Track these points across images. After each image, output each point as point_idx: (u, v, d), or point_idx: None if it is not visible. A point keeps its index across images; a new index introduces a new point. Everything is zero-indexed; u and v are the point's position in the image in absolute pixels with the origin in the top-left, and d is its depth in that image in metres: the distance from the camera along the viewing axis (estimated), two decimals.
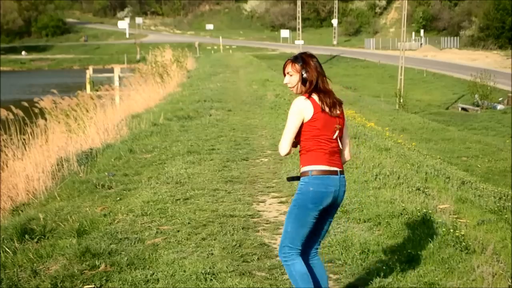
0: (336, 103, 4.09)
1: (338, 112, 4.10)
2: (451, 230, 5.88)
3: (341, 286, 4.96)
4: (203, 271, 5.10)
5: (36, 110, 13.13)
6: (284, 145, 4.07)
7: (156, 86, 22.63)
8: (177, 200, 7.42)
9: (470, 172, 13.48)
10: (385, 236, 5.96)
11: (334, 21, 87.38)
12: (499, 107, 35.04)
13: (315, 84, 4.06)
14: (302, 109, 4.02)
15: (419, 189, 7.82)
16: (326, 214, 4.16)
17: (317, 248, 4.28)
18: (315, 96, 4.05)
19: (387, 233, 6.03)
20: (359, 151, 10.09)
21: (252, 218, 6.75)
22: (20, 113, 11.35)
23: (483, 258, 5.30)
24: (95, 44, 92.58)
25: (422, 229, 6.01)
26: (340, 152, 4.14)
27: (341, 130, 4.12)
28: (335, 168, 4.09)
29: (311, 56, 4.14)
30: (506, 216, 7.26)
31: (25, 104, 13.20)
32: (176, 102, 17.70)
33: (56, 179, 9.67)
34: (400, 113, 27.18)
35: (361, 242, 5.73)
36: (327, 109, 4.03)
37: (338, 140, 4.10)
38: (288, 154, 4.10)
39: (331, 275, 5.16)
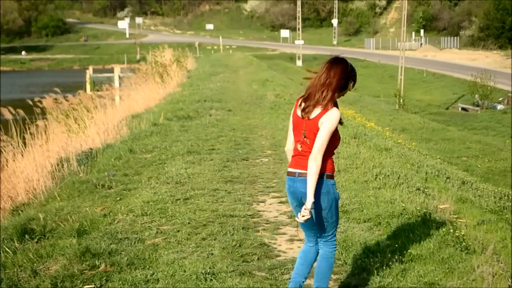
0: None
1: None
2: (451, 230, 5.88)
3: (341, 286, 4.96)
4: (203, 271, 5.10)
5: (38, 110, 13.13)
6: None
7: (156, 86, 22.61)
8: (177, 200, 7.42)
9: (470, 172, 13.47)
10: (385, 236, 5.96)
11: (334, 21, 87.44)
12: (499, 107, 35.06)
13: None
14: None
15: (419, 189, 7.82)
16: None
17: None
18: None
19: (387, 233, 6.03)
20: (359, 151, 10.09)
21: (252, 218, 6.75)
22: (22, 112, 11.34)
23: (483, 258, 5.30)
24: (95, 44, 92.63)
25: (422, 229, 6.01)
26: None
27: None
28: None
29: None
30: (506, 216, 7.26)
31: (30, 102, 13.20)
32: (176, 102, 17.69)
33: (56, 179, 9.67)
34: (400, 113, 27.16)
35: (361, 242, 5.73)
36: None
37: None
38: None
39: (331, 275, 5.16)
